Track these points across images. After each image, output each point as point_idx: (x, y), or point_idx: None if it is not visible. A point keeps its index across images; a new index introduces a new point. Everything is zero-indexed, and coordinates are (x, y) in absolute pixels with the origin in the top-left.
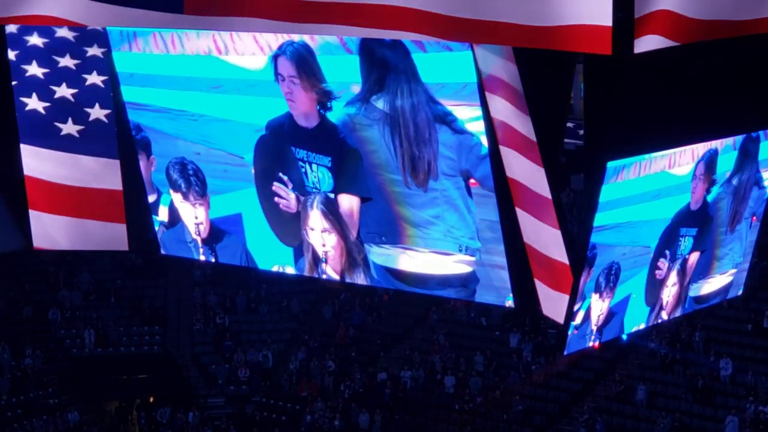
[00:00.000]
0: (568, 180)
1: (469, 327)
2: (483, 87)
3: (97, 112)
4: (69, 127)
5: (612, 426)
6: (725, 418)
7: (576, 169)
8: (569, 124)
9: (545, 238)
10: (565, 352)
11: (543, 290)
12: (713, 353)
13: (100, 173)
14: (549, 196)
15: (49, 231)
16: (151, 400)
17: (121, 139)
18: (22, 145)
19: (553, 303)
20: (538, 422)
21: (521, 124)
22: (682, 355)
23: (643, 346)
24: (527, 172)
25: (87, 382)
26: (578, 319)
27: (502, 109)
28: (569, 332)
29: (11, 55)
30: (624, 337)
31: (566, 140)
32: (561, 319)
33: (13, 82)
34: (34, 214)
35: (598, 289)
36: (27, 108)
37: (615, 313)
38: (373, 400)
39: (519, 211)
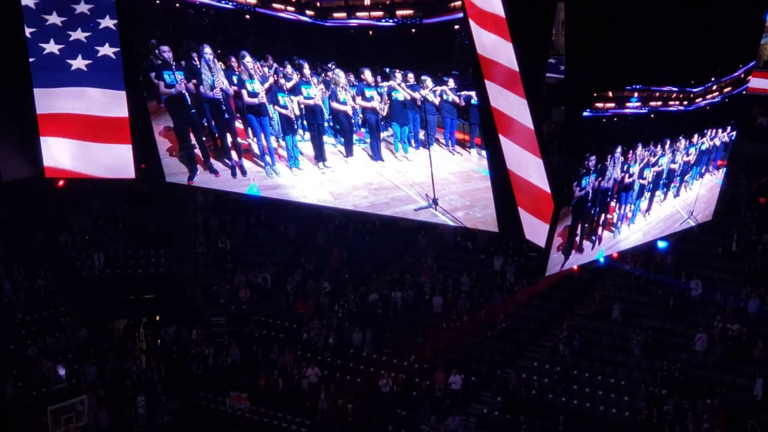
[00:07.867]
0: (549, 112)
1: (456, 250)
2: (469, 21)
3: (106, 50)
4: (78, 62)
5: (589, 342)
6: (695, 334)
7: (557, 102)
8: (551, 60)
9: (528, 166)
10: (546, 274)
11: (526, 217)
12: (684, 275)
13: (106, 103)
14: (531, 126)
15: (57, 155)
16: (157, 318)
17: (129, 74)
18: (35, 90)
19: (534, 228)
20: (520, 339)
21: (506, 55)
22: (656, 277)
23: (619, 268)
24: (511, 104)
25: (96, 301)
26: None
27: (488, 43)
28: (549, 255)
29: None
30: (601, 260)
31: (548, 74)
32: (542, 243)
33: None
34: (44, 141)
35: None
36: (45, 52)
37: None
38: (365, 319)
39: (503, 139)
